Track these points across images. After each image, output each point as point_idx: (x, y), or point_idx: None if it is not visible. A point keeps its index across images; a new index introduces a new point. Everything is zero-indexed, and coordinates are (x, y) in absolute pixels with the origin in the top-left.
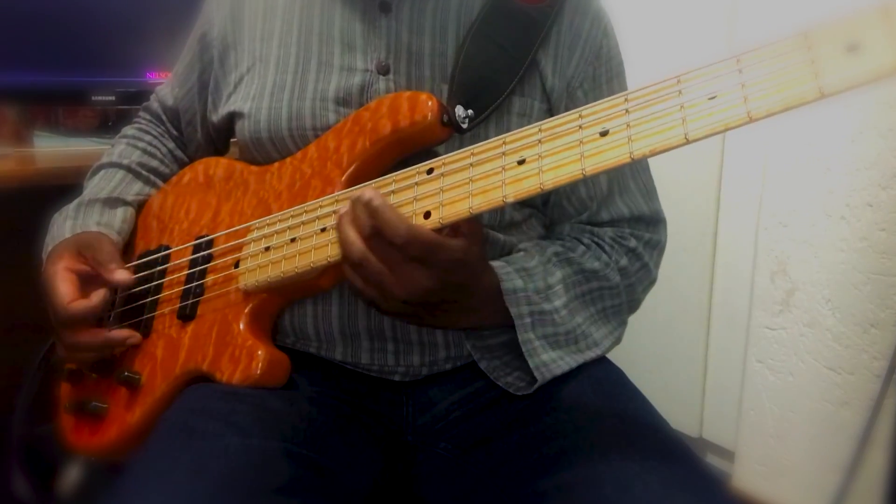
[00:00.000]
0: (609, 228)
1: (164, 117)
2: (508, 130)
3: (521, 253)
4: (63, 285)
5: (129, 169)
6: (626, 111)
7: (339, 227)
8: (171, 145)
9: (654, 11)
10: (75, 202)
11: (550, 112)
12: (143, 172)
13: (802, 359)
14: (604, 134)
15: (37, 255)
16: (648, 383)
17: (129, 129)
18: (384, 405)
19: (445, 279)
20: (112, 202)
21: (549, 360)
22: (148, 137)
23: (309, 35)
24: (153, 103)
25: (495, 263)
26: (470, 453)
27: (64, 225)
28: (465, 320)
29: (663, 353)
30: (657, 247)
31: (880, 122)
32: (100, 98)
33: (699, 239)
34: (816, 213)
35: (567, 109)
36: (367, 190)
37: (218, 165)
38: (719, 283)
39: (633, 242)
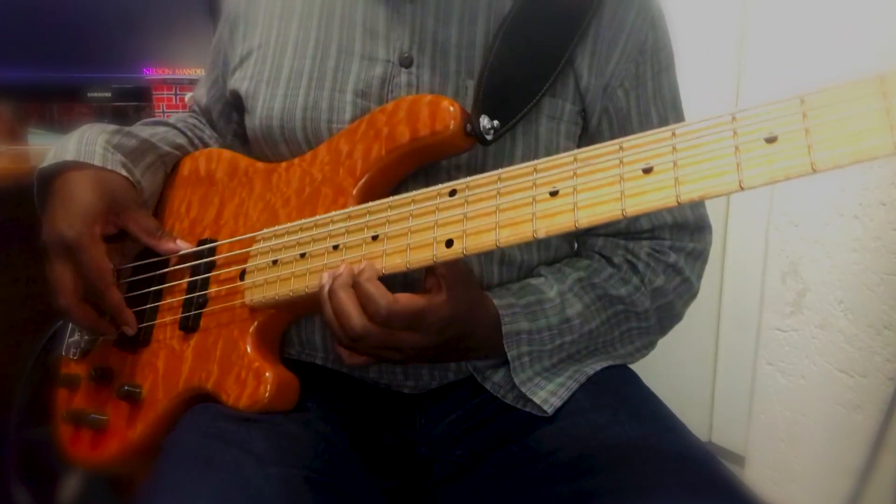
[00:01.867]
0: (647, 242)
1: (202, 119)
2: (536, 134)
3: (541, 279)
4: (102, 255)
5: (174, 126)
6: (673, 148)
7: (336, 306)
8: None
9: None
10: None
11: (583, 113)
12: (189, 133)
13: (814, 361)
14: (647, 171)
15: (31, 255)
16: (656, 386)
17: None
18: (397, 418)
19: (439, 337)
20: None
21: (555, 388)
22: (192, 121)
23: (330, 18)
24: (192, 107)
25: (503, 302)
26: (486, 459)
27: (97, 140)
28: (472, 355)
29: (672, 356)
30: (700, 257)
31: None
32: (95, 94)
33: None
34: (828, 212)
35: (605, 110)
36: (355, 268)
37: (220, 159)
38: (729, 284)
39: (672, 257)
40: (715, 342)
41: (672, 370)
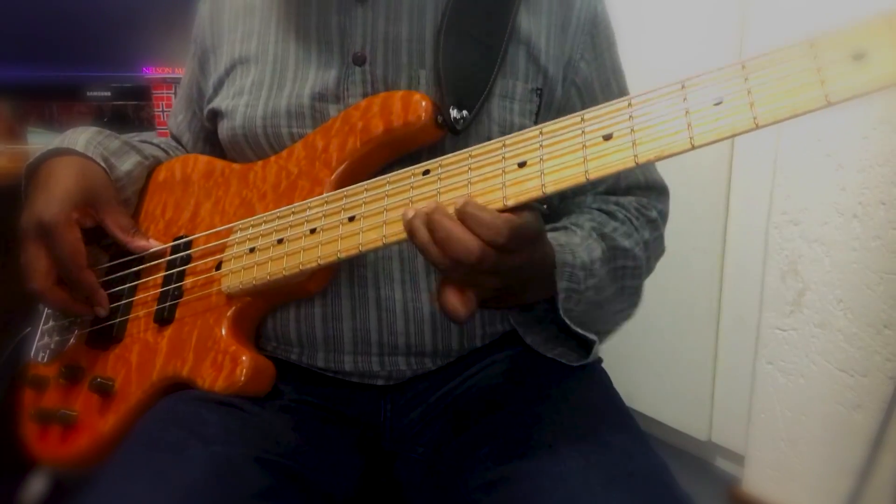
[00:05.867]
0: (633, 198)
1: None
2: (490, 115)
3: (562, 230)
4: (77, 238)
5: (151, 142)
6: (630, 116)
7: (445, 233)
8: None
9: (662, 21)
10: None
11: (538, 91)
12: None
13: (814, 360)
14: (607, 138)
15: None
16: (656, 386)
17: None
18: (362, 410)
19: (532, 256)
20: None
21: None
22: (167, 139)
23: (287, 32)
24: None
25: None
26: (441, 454)
27: (82, 133)
28: (529, 294)
29: (672, 355)
30: (666, 218)
31: (894, 117)
32: (95, 93)
33: (708, 238)
34: (828, 211)
35: (572, 83)
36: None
37: (196, 163)
38: (729, 283)
39: (653, 213)
40: (715, 341)
41: (672, 369)
